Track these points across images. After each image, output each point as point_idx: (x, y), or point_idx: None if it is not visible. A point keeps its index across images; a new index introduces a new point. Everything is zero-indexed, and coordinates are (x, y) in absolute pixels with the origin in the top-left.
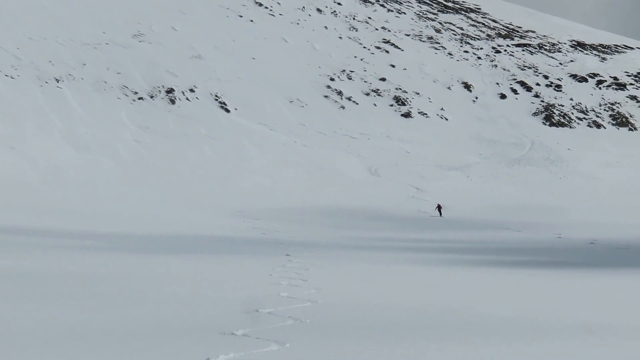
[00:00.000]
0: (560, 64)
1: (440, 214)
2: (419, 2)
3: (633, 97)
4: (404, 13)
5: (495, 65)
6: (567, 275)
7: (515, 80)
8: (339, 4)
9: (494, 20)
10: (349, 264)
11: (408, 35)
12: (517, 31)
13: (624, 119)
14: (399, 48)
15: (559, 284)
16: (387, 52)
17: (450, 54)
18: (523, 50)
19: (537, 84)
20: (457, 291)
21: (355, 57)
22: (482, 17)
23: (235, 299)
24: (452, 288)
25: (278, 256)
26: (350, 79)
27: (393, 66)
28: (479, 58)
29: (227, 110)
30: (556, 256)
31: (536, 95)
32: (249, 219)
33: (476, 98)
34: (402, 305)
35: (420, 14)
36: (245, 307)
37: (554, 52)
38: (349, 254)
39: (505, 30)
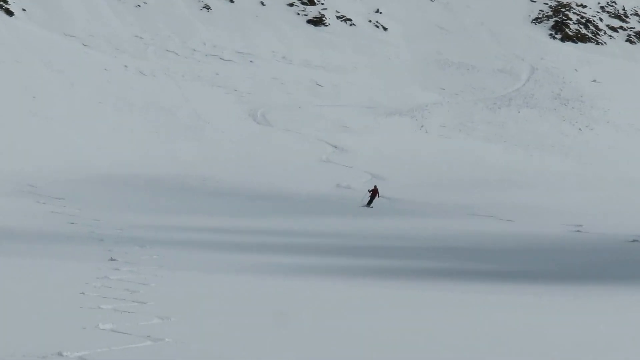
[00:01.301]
0: None
1: (371, 202)
2: None
3: None
4: None
5: None
6: (598, 297)
7: None
8: None
9: None
10: (212, 274)
11: None
12: None
13: None
14: None
15: (583, 318)
16: None
17: None
18: None
19: None
20: (380, 328)
21: None
22: None
23: (24, 333)
24: (376, 322)
25: (97, 261)
26: None
27: None
28: None
29: (9, 13)
30: (577, 264)
31: None
32: (47, 198)
33: None
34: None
35: None
36: (42, 348)
37: None
38: (214, 257)
39: None
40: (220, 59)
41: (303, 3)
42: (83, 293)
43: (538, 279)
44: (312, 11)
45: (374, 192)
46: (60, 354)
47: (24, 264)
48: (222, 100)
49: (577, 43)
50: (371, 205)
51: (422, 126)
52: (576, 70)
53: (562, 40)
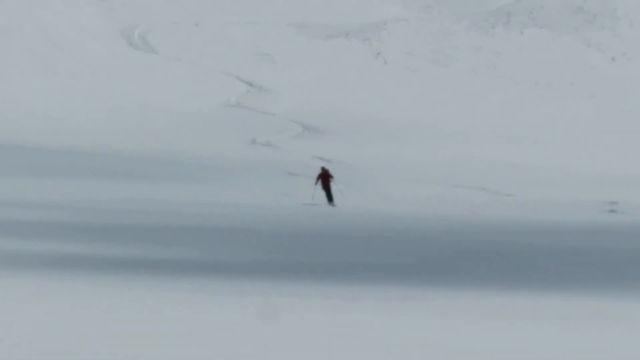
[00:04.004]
0: None
1: (331, 196)
2: None
3: None
4: None
5: None
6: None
7: None
8: None
9: None
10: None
11: None
12: None
13: None
14: None
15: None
16: None
17: None
18: None
19: None
20: None
21: None
22: None
23: None
24: None
25: None
26: None
27: None
28: None
29: None
30: (613, 266)
31: None
32: None
33: None
34: None
35: None
36: None
37: None
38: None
39: None
40: None
41: None
42: None
43: (559, 287)
44: None
45: (325, 178)
46: None
47: None
48: (83, 15)
49: None
50: (333, 202)
51: (378, 53)
52: None
53: None
